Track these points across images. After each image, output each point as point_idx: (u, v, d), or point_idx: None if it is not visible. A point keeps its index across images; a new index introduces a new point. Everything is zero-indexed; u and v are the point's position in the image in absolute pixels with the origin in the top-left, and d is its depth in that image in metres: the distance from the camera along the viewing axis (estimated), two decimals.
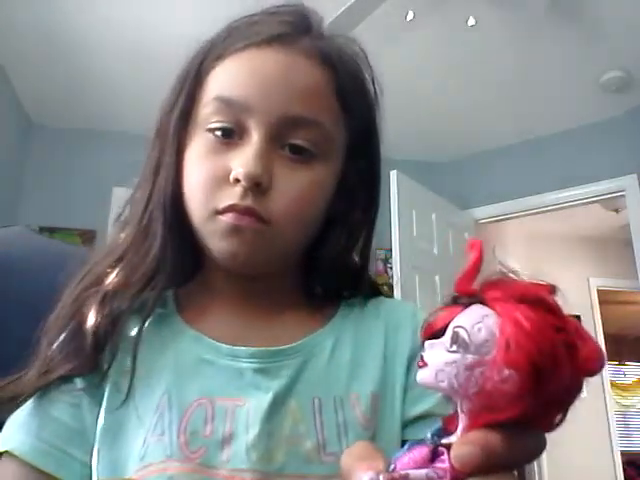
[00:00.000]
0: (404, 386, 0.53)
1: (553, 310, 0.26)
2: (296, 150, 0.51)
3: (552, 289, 0.28)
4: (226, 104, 0.51)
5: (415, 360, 0.54)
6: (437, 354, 0.27)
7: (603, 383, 4.63)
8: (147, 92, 2.95)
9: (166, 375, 0.50)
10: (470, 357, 0.26)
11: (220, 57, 0.53)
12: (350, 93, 0.55)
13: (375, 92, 0.58)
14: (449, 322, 0.27)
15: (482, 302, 0.27)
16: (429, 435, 0.28)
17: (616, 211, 4.32)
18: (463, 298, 0.28)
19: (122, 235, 0.56)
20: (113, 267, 0.53)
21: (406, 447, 0.28)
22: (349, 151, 0.56)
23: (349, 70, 0.56)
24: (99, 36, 2.70)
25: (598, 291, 4.98)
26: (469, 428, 0.26)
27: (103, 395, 0.50)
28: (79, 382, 0.50)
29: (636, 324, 6.18)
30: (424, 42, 2.76)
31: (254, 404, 0.48)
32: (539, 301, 0.26)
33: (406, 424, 0.52)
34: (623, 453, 4.74)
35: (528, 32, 2.67)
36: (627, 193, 3.24)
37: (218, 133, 0.51)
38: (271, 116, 0.50)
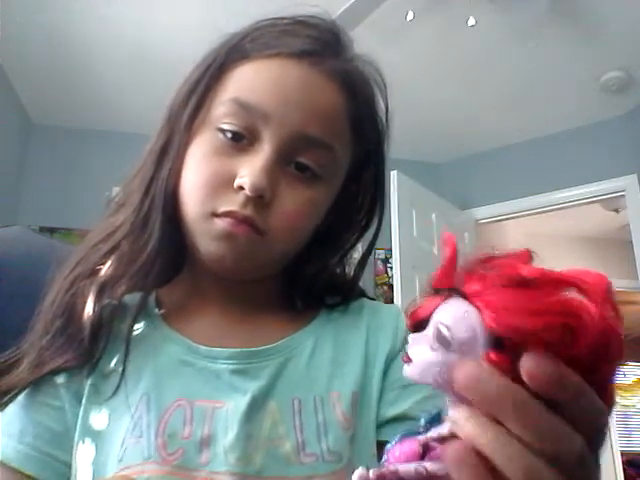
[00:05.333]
0: (381, 387, 0.53)
1: (540, 286, 0.25)
2: (302, 168, 0.51)
3: (528, 256, 0.27)
4: (243, 108, 0.50)
5: (393, 362, 0.55)
6: (421, 351, 0.27)
7: None
8: (147, 92, 2.95)
9: (145, 376, 0.50)
10: (453, 355, 0.25)
11: (245, 58, 0.52)
12: (363, 122, 0.56)
13: (387, 121, 0.59)
14: (431, 313, 0.27)
15: (462, 295, 0.27)
16: (422, 422, 0.28)
17: (616, 211, 4.31)
18: (444, 289, 0.28)
19: (117, 220, 0.54)
20: (108, 255, 0.53)
21: (397, 438, 0.28)
22: (350, 174, 0.57)
23: (367, 99, 0.56)
24: (99, 37, 2.70)
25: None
26: None
27: (83, 394, 0.49)
28: (63, 377, 0.50)
29: (636, 324, 6.17)
30: (424, 42, 2.76)
31: (232, 406, 0.48)
32: (523, 282, 0.25)
33: (381, 425, 0.52)
34: (623, 453, 4.74)
35: (528, 32, 2.66)
36: (627, 193, 3.23)
37: (229, 135, 0.50)
38: (287, 130, 0.50)
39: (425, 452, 0.27)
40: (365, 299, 0.62)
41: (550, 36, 2.69)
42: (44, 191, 3.28)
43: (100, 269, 0.52)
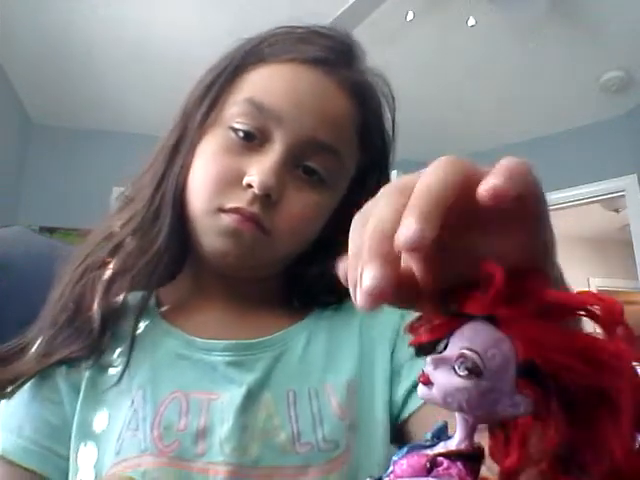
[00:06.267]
0: (390, 370, 0.54)
1: (563, 314, 0.25)
2: (309, 172, 0.52)
3: (543, 280, 0.26)
4: (257, 108, 0.51)
5: (396, 347, 0.56)
6: (445, 376, 0.26)
7: None
8: (147, 92, 2.95)
9: (142, 370, 0.50)
10: (484, 384, 0.25)
11: (261, 61, 0.54)
12: (370, 131, 0.57)
13: (393, 133, 0.60)
14: (445, 334, 0.27)
15: (490, 318, 0.26)
16: (429, 436, 0.28)
17: (616, 211, 4.32)
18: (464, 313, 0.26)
19: (126, 215, 0.55)
20: (117, 248, 0.53)
21: (405, 450, 0.28)
22: (354, 182, 0.58)
23: (374, 110, 0.58)
24: (99, 36, 2.70)
25: (598, 291, 4.99)
26: (469, 435, 0.26)
27: (81, 387, 0.50)
28: (63, 370, 0.50)
29: (636, 324, 6.18)
30: (424, 42, 2.76)
31: (228, 397, 0.49)
32: (549, 310, 0.25)
33: (405, 398, 0.53)
34: None
35: (528, 32, 2.67)
36: (627, 193, 3.24)
37: (240, 134, 0.51)
38: (298, 133, 0.51)
39: (432, 466, 0.26)
40: None
41: (550, 36, 2.69)
42: (44, 191, 3.28)
43: (109, 261, 0.53)
